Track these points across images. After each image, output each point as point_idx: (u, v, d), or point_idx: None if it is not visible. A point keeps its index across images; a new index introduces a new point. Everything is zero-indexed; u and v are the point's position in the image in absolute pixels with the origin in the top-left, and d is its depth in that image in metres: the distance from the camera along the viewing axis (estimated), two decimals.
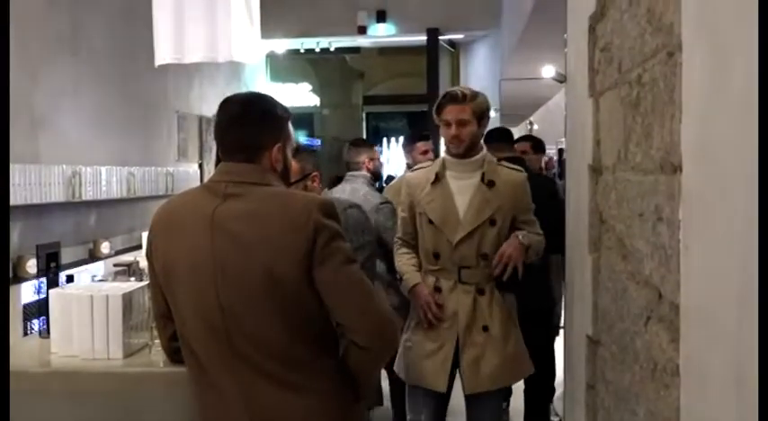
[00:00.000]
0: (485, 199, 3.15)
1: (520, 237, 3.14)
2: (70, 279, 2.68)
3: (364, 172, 4.37)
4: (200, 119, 7.80)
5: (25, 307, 4.52)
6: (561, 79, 7.97)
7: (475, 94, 3.18)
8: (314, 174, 3.06)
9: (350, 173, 4.40)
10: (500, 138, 4.91)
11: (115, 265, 3.00)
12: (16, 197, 4.33)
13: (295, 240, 1.86)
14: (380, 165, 4.63)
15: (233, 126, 2.00)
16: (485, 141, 5.28)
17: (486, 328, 3.13)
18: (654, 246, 1.25)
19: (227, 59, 4.04)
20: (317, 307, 1.93)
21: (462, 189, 3.17)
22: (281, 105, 2.11)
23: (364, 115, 19.10)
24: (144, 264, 2.71)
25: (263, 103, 2.07)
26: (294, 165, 2.91)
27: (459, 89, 3.22)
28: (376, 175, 4.50)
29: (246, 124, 2.00)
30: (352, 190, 4.26)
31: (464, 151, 3.17)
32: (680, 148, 1.05)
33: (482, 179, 3.17)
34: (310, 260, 1.86)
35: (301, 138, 16.13)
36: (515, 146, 5.48)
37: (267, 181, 1.97)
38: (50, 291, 2.44)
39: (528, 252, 3.16)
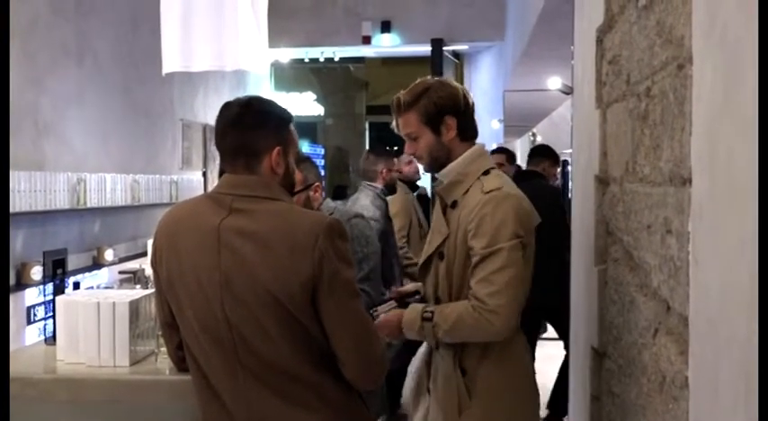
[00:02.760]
0: (437, 226, 2.43)
1: (406, 315, 2.35)
2: (77, 286, 2.68)
3: (379, 182, 4.31)
4: (205, 127, 7.81)
5: (30, 313, 4.53)
6: (567, 91, 7.98)
7: (419, 94, 2.40)
8: (316, 184, 3.07)
9: (365, 182, 4.36)
10: (541, 154, 5.35)
11: (120, 272, 3.00)
12: (21, 204, 4.34)
13: (299, 264, 1.84)
14: (396, 175, 4.58)
15: (231, 130, 1.98)
16: (529, 156, 5.43)
17: (428, 391, 2.44)
18: (662, 258, 1.25)
19: (235, 68, 4.03)
20: (320, 325, 1.92)
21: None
22: (281, 108, 2.07)
23: (368, 125, 19.10)
24: (149, 271, 2.71)
25: (262, 106, 2.03)
26: (297, 174, 2.91)
27: (399, 95, 2.47)
28: (391, 187, 4.42)
29: (244, 127, 1.97)
30: (353, 200, 4.25)
31: (428, 168, 2.51)
32: (689, 161, 1.05)
33: (440, 199, 2.47)
34: (314, 285, 1.85)
35: (304, 146, 16.16)
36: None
37: (274, 195, 1.96)
38: (57, 297, 2.44)
39: (428, 331, 2.28)
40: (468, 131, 2.44)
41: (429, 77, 2.50)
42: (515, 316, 2.23)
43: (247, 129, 1.97)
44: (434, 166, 2.44)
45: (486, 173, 2.36)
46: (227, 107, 2.02)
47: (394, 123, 2.49)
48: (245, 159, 1.96)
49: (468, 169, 2.37)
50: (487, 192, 2.27)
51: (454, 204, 2.36)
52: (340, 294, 1.88)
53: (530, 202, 2.34)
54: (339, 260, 1.88)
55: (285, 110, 2.08)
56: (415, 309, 2.34)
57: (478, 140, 2.54)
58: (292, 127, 2.07)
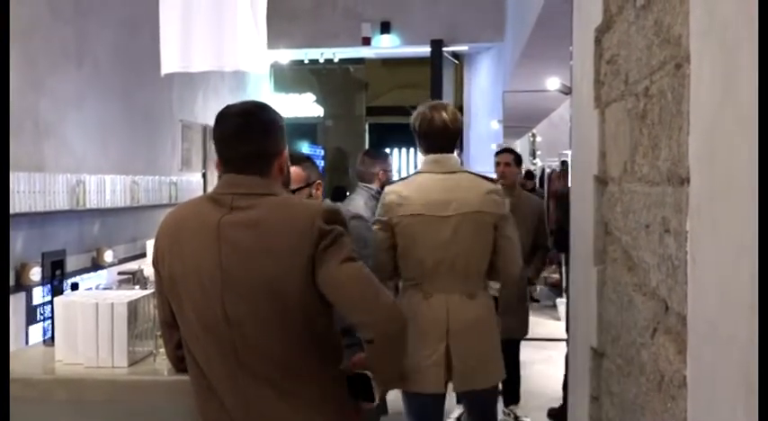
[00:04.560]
0: None
1: None
2: (75, 287, 2.68)
3: (376, 184, 4.32)
4: (205, 128, 7.81)
5: (30, 313, 4.53)
6: (566, 91, 7.99)
7: None
8: (318, 182, 3.09)
9: (362, 184, 4.38)
10: None
11: (120, 273, 3.01)
12: (21, 205, 4.34)
13: (298, 246, 1.87)
14: (392, 177, 4.58)
15: (240, 140, 2.00)
16: None
17: None
18: (661, 257, 1.25)
19: (234, 69, 4.04)
20: (322, 319, 1.93)
21: None
22: (275, 111, 2.12)
23: (367, 126, 19.12)
24: (148, 272, 2.71)
25: (265, 114, 2.07)
26: (300, 172, 2.94)
27: None
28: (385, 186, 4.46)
29: (255, 137, 2.00)
30: (349, 201, 4.29)
31: None
32: (687, 160, 1.05)
33: None
34: (313, 264, 1.87)
35: (305, 147, 16.17)
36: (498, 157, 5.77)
37: (273, 191, 1.99)
38: (55, 298, 2.44)
39: None
40: (428, 147, 3.40)
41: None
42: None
43: (258, 137, 2.02)
44: None
45: (404, 178, 3.46)
46: (226, 117, 2.04)
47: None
48: (257, 164, 2.00)
49: None
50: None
51: None
52: (336, 258, 1.90)
53: (400, 197, 3.28)
54: (335, 235, 1.91)
55: (276, 110, 2.14)
56: None
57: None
58: (282, 119, 2.14)
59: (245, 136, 2.00)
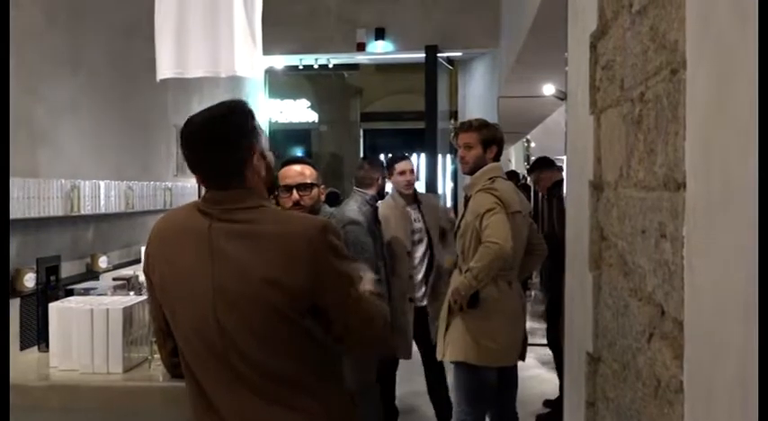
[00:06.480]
0: (461, 211, 4.07)
1: (459, 283, 3.85)
2: (70, 292, 2.67)
3: (372, 190, 4.44)
4: None
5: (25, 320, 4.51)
6: (562, 97, 8.01)
7: (486, 125, 3.99)
8: (323, 185, 3.12)
9: (357, 189, 4.46)
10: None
11: (114, 279, 3.00)
12: (15, 211, 4.33)
13: (294, 265, 1.84)
14: (385, 183, 4.77)
15: (204, 159, 1.93)
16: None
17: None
18: (657, 262, 1.25)
19: (230, 74, 4.03)
20: (315, 330, 1.92)
21: None
22: (239, 107, 2.00)
23: (362, 132, 19.11)
24: (143, 278, 2.71)
25: (228, 118, 1.95)
26: (314, 171, 2.98)
27: (470, 120, 4.09)
28: (381, 193, 4.61)
29: (219, 150, 1.91)
30: (344, 204, 4.40)
31: (467, 171, 4.00)
32: (684, 165, 1.05)
33: (465, 193, 4.06)
34: (311, 284, 1.85)
35: (298, 152, 16.16)
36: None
37: (257, 202, 1.95)
38: (50, 304, 2.43)
39: None
40: (498, 156, 3.99)
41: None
42: (506, 241, 3.60)
43: (222, 151, 1.91)
44: (471, 170, 3.92)
45: (492, 179, 3.81)
46: (188, 133, 1.95)
47: (453, 135, 4.12)
48: (232, 178, 1.93)
49: (480, 178, 3.86)
50: (480, 190, 3.79)
51: (470, 197, 3.81)
52: (339, 286, 1.88)
53: (507, 194, 3.79)
54: (334, 256, 1.88)
55: (242, 104, 2.01)
56: (460, 276, 3.78)
57: None
58: (254, 117, 2.00)
59: (209, 154, 1.91)
